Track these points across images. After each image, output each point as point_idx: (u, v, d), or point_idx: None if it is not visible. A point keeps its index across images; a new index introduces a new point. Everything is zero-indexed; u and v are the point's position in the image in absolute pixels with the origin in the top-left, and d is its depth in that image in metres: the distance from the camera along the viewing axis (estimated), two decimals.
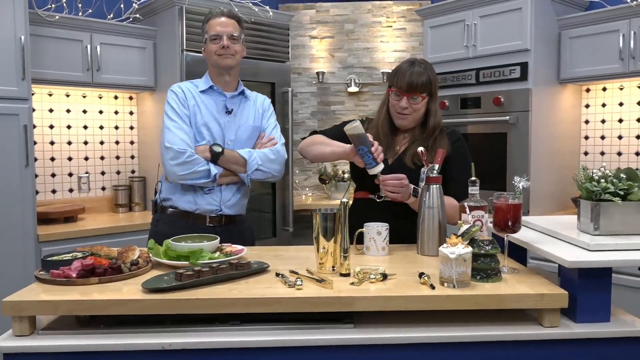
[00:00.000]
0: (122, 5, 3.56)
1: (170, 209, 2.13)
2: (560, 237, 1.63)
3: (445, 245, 1.44)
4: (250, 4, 3.54)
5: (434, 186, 1.81)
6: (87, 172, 3.61)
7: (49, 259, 1.57)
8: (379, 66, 4.44)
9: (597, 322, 1.41)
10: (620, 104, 3.39)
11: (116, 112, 3.72)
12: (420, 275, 1.46)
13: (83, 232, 3.02)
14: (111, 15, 3.50)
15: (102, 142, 3.67)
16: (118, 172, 3.75)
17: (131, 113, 3.78)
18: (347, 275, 1.54)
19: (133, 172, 3.81)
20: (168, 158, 2.01)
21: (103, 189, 3.68)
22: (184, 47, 3.30)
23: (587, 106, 3.55)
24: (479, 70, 3.42)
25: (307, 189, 4.55)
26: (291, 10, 4.42)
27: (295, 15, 4.23)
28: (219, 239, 1.75)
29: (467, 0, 3.45)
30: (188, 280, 1.42)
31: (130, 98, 3.77)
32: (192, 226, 2.07)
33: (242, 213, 2.22)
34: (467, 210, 1.60)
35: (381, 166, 1.82)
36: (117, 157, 3.75)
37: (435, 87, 2.02)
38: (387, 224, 1.82)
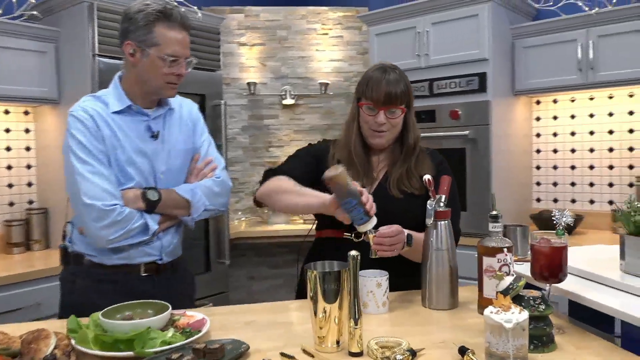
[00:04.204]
0: (14, 0, 2.91)
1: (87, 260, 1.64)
2: (602, 282, 1.35)
3: (493, 308, 1.09)
4: (175, 3, 3.03)
5: (442, 222, 1.47)
6: None
7: None
8: (315, 76, 4.08)
9: None
10: (572, 117, 3.29)
11: (7, 130, 3.03)
12: (463, 351, 1.09)
13: None
14: (0, 12, 2.84)
15: None
16: (11, 204, 3.06)
17: (27, 131, 3.11)
18: (360, 355, 1.14)
19: (31, 202, 3.13)
20: (91, 219, 1.50)
21: None
22: (96, 52, 2.72)
23: (537, 119, 3.42)
24: (433, 81, 3.17)
25: (240, 212, 4.07)
26: (217, 13, 3.95)
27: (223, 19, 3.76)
28: (170, 308, 1.28)
29: (418, 6, 3.19)
30: None
31: (26, 113, 3.10)
32: (122, 279, 1.61)
33: (180, 254, 1.79)
34: (507, 251, 1.27)
35: (374, 220, 1.40)
36: (10, 185, 3.05)
37: (412, 95, 1.69)
38: (386, 273, 1.45)
